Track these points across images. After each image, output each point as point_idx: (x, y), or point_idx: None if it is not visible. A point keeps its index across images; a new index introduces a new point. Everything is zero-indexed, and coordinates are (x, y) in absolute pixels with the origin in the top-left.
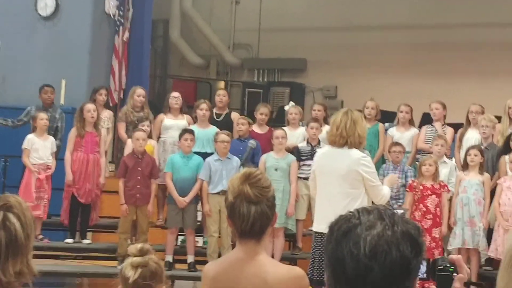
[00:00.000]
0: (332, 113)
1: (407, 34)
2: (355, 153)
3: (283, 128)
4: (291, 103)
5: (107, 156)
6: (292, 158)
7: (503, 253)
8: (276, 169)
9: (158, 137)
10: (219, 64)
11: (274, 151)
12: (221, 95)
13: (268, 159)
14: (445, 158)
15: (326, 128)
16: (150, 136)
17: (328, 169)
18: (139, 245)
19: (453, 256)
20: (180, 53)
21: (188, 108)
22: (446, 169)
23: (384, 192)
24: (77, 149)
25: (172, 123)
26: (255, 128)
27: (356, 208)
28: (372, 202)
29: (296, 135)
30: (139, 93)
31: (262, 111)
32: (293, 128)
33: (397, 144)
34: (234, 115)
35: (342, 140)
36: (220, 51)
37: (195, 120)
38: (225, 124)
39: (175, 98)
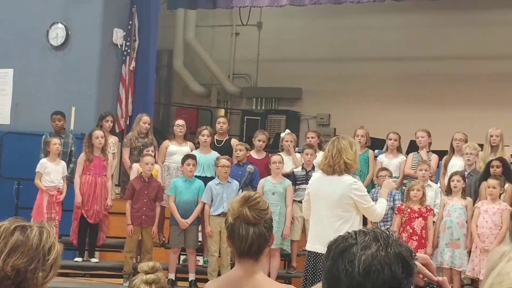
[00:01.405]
0: (326, 140)
1: (397, 65)
2: (347, 178)
3: (280, 154)
4: (287, 130)
5: (113, 180)
6: (288, 182)
7: (479, 273)
8: (273, 193)
9: (163, 162)
10: (220, 92)
11: (272, 176)
12: (221, 122)
13: (266, 184)
14: (429, 182)
15: (320, 154)
16: (155, 161)
17: (321, 194)
18: (150, 263)
19: (439, 278)
20: (183, 82)
21: (190, 134)
22: (432, 192)
23: (378, 211)
24: (86, 173)
25: (176, 149)
26: (253, 154)
27: (354, 230)
28: (364, 224)
29: (290, 161)
30: (145, 120)
31: (260, 138)
32: (288, 154)
33: (384, 169)
34: (234, 142)
35: (330, 168)
36: (220, 81)
37: (197, 145)
38: (225, 150)
39: (179, 126)
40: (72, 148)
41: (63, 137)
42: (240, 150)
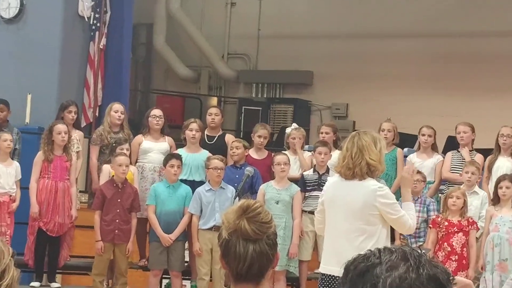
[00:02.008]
0: (344, 135)
1: (431, 42)
2: (370, 183)
3: (285, 153)
4: (294, 124)
5: (78, 185)
6: (295, 188)
7: None
8: (277, 202)
9: (135, 162)
10: (211, 76)
11: (275, 180)
12: (213, 114)
13: (268, 190)
14: (476, 188)
15: (336, 153)
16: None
17: (339, 201)
18: None
19: None
20: (165, 63)
21: (170, 128)
22: (477, 201)
23: (409, 221)
24: (44, 176)
25: (152, 146)
26: (253, 153)
27: (378, 248)
28: (392, 238)
29: (298, 162)
30: (116, 109)
31: (261, 133)
32: (295, 153)
33: (416, 172)
34: (229, 138)
35: (349, 171)
36: (212, 62)
37: (181, 142)
38: (218, 148)
39: (156, 117)
40: (17, 146)
41: (5, 131)
42: (237, 148)
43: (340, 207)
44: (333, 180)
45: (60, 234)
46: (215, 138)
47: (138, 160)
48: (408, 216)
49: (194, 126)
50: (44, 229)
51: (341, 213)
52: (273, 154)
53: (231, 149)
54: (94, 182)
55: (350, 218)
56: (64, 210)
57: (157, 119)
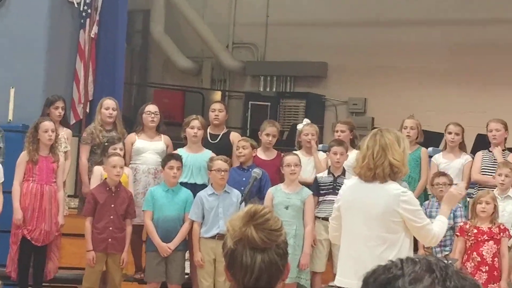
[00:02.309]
0: (362, 134)
1: (459, 31)
2: (393, 187)
3: (296, 153)
4: (306, 120)
5: (66, 188)
6: (307, 192)
7: None
8: (286, 207)
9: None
10: (215, 68)
11: (285, 183)
12: (217, 110)
13: (277, 194)
14: (510, 192)
15: (353, 153)
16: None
17: (357, 206)
18: None
19: None
20: (163, 54)
21: (169, 125)
22: (511, 206)
23: (434, 231)
24: (29, 179)
25: (146, 145)
26: (260, 153)
27: (401, 258)
28: (415, 247)
29: (312, 163)
30: (107, 105)
31: (269, 131)
32: (308, 153)
33: (441, 173)
34: (234, 136)
35: (370, 172)
36: (215, 52)
37: (181, 142)
38: (222, 148)
39: (151, 113)
40: (0, 145)
41: None
42: (244, 148)
43: (359, 212)
44: (350, 183)
45: (46, 243)
46: (219, 137)
47: (131, 161)
48: (433, 226)
49: (195, 123)
50: (29, 238)
51: (360, 219)
52: (282, 154)
53: (237, 149)
54: (84, 186)
55: (370, 224)
56: (51, 216)
57: (152, 115)
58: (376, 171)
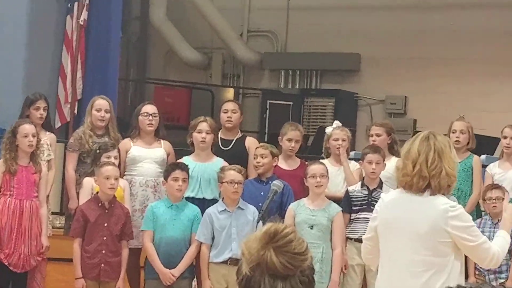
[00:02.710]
0: (402, 139)
1: None
2: (441, 201)
3: (323, 161)
4: (337, 122)
5: (49, 204)
6: (336, 209)
7: None
8: (311, 226)
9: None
10: (226, 61)
11: (309, 198)
12: (229, 111)
13: (300, 211)
14: None
15: (392, 162)
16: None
17: (399, 225)
18: None
19: None
20: (166, 44)
21: (172, 129)
22: None
23: (494, 250)
24: (5, 193)
25: (143, 154)
26: (281, 162)
27: (449, 286)
28: (467, 275)
29: (343, 173)
30: (99, 106)
31: (291, 136)
32: (337, 162)
33: (494, 187)
34: (250, 142)
35: (423, 182)
36: (227, 42)
37: (186, 149)
38: (236, 155)
39: (148, 115)
40: None
41: None
42: (263, 157)
43: (401, 232)
44: (389, 197)
45: (26, 269)
46: (232, 143)
47: (125, 172)
48: (492, 244)
49: (203, 126)
50: (6, 263)
51: (402, 240)
52: (307, 163)
53: (254, 158)
54: (71, 201)
55: (412, 246)
56: (31, 237)
57: (150, 117)
58: (431, 181)
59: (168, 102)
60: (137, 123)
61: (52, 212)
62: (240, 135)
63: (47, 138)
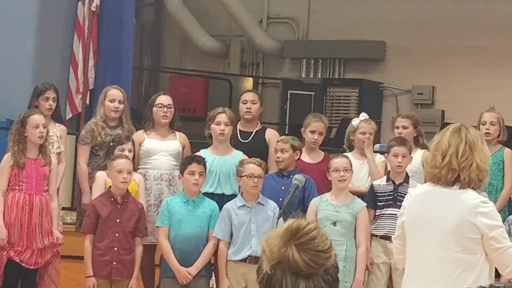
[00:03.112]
0: (429, 131)
1: None
2: (471, 196)
3: (346, 155)
4: (364, 114)
5: (59, 199)
6: (360, 204)
7: None
8: (334, 223)
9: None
10: (245, 50)
11: (332, 193)
12: (249, 101)
13: (322, 206)
14: None
15: (418, 155)
16: (133, 167)
17: (426, 221)
18: None
19: None
20: (182, 31)
21: (189, 121)
22: None
23: None
24: (14, 188)
25: (157, 146)
26: (303, 155)
27: (482, 286)
28: (497, 274)
29: (366, 167)
30: (113, 97)
31: (315, 127)
32: (361, 155)
33: None
34: (270, 134)
35: (452, 174)
36: (246, 29)
37: (203, 141)
38: (256, 148)
39: (162, 106)
40: None
41: None
42: (283, 152)
43: (429, 228)
44: (417, 191)
45: (39, 265)
46: (252, 135)
47: (139, 166)
48: None
49: (222, 118)
50: (18, 260)
51: (430, 236)
52: (330, 156)
53: (275, 152)
54: (85, 196)
55: (441, 243)
56: (43, 233)
57: (165, 109)
58: (461, 174)
59: (184, 92)
60: (151, 115)
61: (62, 208)
62: (260, 127)
63: (57, 129)
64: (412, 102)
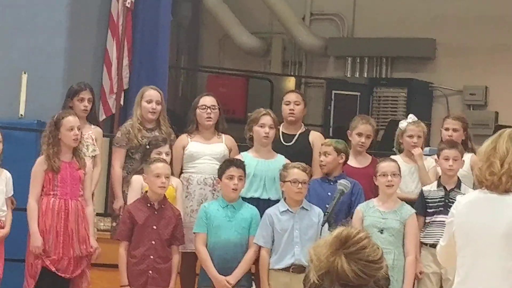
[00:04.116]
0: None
1: None
2: None
3: (394, 158)
4: (412, 116)
5: (94, 205)
6: (409, 211)
7: None
8: (381, 230)
9: (179, 173)
10: (287, 48)
11: (379, 199)
12: (292, 102)
13: (368, 213)
14: None
15: (467, 159)
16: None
17: (479, 229)
18: None
19: None
20: (220, 29)
21: (226, 122)
22: None
23: None
24: (48, 193)
25: (202, 149)
26: (350, 159)
27: None
28: None
29: (417, 171)
30: (150, 97)
31: (362, 130)
32: (411, 159)
33: None
34: (315, 137)
35: (510, 182)
36: (288, 26)
37: (243, 144)
38: (299, 152)
39: (206, 108)
40: None
41: None
42: (326, 155)
43: (479, 236)
44: (467, 198)
45: (76, 274)
46: (295, 138)
47: (182, 170)
48: None
49: (267, 120)
50: (54, 270)
51: (481, 245)
52: (378, 160)
53: (320, 155)
54: (116, 200)
55: (495, 251)
56: (80, 240)
57: (208, 110)
58: None
59: (223, 93)
60: (195, 117)
61: (96, 213)
62: (304, 129)
63: (92, 132)
64: (463, 103)
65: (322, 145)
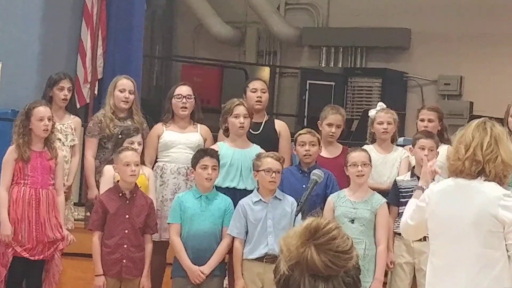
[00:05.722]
0: (455, 124)
1: None
2: (494, 188)
3: (365, 148)
4: (381, 104)
5: (71, 195)
6: (379, 200)
7: None
8: (352, 220)
9: (152, 162)
10: (261, 37)
11: (350, 189)
12: (259, 90)
13: (339, 203)
14: None
15: (443, 150)
16: (142, 160)
17: (451, 217)
18: None
19: None
20: (195, 18)
21: (202, 111)
22: None
23: None
24: (19, 182)
25: (176, 138)
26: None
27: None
28: None
29: (390, 161)
30: (123, 86)
31: (332, 120)
32: (383, 148)
33: None
34: (280, 126)
35: (476, 166)
36: (263, 16)
37: (216, 134)
38: (266, 140)
39: (182, 97)
40: None
41: None
42: (313, 145)
43: (451, 224)
44: (439, 187)
45: (46, 257)
46: (262, 126)
47: (157, 159)
48: None
49: (241, 110)
50: (27, 255)
51: (452, 231)
52: (348, 149)
53: (302, 145)
54: (90, 190)
55: (464, 237)
56: (52, 228)
57: (184, 100)
58: (486, 167)
59: (197, 82)
60: (170, 106)
61: (73, 203)
62: (268, 118)
63: (72, 121)
64: (438, 93)
65: (303, 134)
